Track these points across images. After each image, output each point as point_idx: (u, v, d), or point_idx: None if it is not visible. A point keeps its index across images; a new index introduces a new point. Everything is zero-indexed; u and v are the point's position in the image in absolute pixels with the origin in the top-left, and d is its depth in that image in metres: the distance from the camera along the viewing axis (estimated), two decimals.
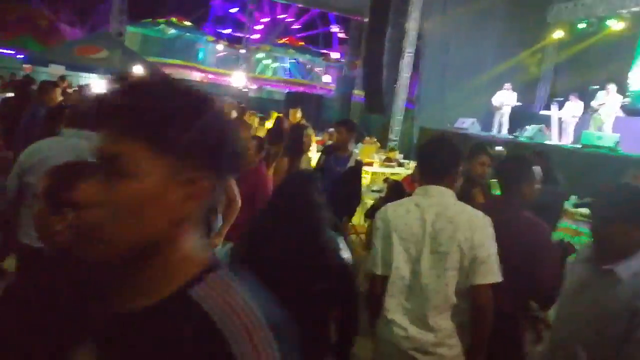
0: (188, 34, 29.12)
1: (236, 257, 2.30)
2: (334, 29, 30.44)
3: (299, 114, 7.95)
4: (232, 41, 30.86)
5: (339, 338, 2.19)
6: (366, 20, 18.29)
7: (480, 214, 2.07)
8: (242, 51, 28.62)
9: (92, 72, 17.13)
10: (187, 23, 28.71)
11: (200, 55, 30.30)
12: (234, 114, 6.78)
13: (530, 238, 2.26)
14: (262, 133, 7.15)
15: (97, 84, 16.32)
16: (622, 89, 12.64)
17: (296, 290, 2.02)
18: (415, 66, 15.54)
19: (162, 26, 27.40)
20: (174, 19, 27.70)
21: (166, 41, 28.03)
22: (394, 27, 15.39)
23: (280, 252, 2.03)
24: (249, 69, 28.40)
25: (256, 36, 30.30)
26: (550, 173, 3.47)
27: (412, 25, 14.77)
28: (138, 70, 17.09)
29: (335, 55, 30.78)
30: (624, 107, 11.78)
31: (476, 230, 1.97)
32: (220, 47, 30.36)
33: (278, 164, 4.12)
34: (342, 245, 2.15)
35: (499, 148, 8.52)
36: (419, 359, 1.98)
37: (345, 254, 2.13)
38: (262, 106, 19.05)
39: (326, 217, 2.13)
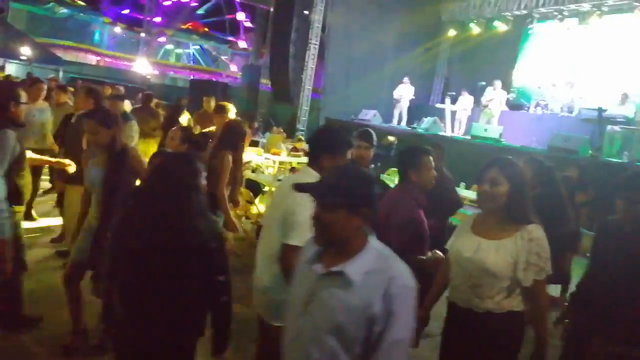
0: (82, 14, 27.16)
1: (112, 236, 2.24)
2: (240, 16, 29.97)
3: (212, 102, 7.63)
4: (132, 24, 29.28)
5: (213, 317, 2.22)
6: (272, 9, 18.24)
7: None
8: (143, 35, 27.31)
9: None
10: (80, 2, 26.75)
11: (96, 37, 28.44)
12: (126, 105, 6.43)
13: (403, 214, 2.78)
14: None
15: None
16: (507, 86, 13.89)
17: (166, 272, 2.02)
18: (322, 57, 15.84)
19: (51, 4, 25.29)
20: None
21: (56, 21, 25.95)
22: (299, 17, 15.55)
23: (148, 233, 2.03)
24: (151, 54, 27.17)
25: (158, 19, 28.98)
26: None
27: (317, 17, 15.01)
28: (25, 51, 15.71)
29: (242, 44, 30.25)
30: (508, 102, 12.94)
31: (295, 200, 2.25)
32: (118, 29, 28.69)
33: (222, 159, 4.16)
34: (220, 227, 2.25)
35: (391, 138, 9.48)
36: (259, 298, 2.50)
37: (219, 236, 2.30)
38: (165, 93, 18.38)
39: (201, 198, 2.16)
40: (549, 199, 3.42)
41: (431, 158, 2.97)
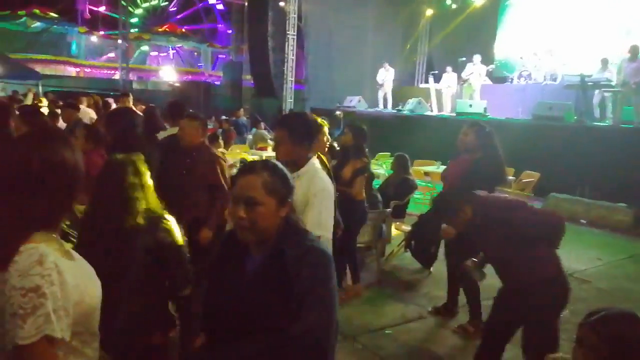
0: (56, 26, 26.73)
1: None
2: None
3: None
4: (107, 27, 28.84)
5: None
6: (246, 4, 18.07)
7: None
8: (120, 41, 26.93)
9: None
10: (53, 14, 26.27)
11: (74, 48, 28.04)
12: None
13: None
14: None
15: None
16: (490, 59, 13.82)
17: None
18: (302, 47, 15.72)
19: (24, 19, 24.90)
20: (36, 11, 25.18)
21: (31, 35, 25.55)
22: (274, 10, 15.42)
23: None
24: (129, 59, 26.84)
25: (134, 18, 28.59)
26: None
27: (292, 7, 14.87)
28: None
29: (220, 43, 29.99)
30: (490, 75, 12.89)
31: None
32: (94, 38, 28.30)
33: None
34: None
35: (338, 113, 11.04)
36: None
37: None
38: (149, 98, 18.14)
39: None
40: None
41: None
